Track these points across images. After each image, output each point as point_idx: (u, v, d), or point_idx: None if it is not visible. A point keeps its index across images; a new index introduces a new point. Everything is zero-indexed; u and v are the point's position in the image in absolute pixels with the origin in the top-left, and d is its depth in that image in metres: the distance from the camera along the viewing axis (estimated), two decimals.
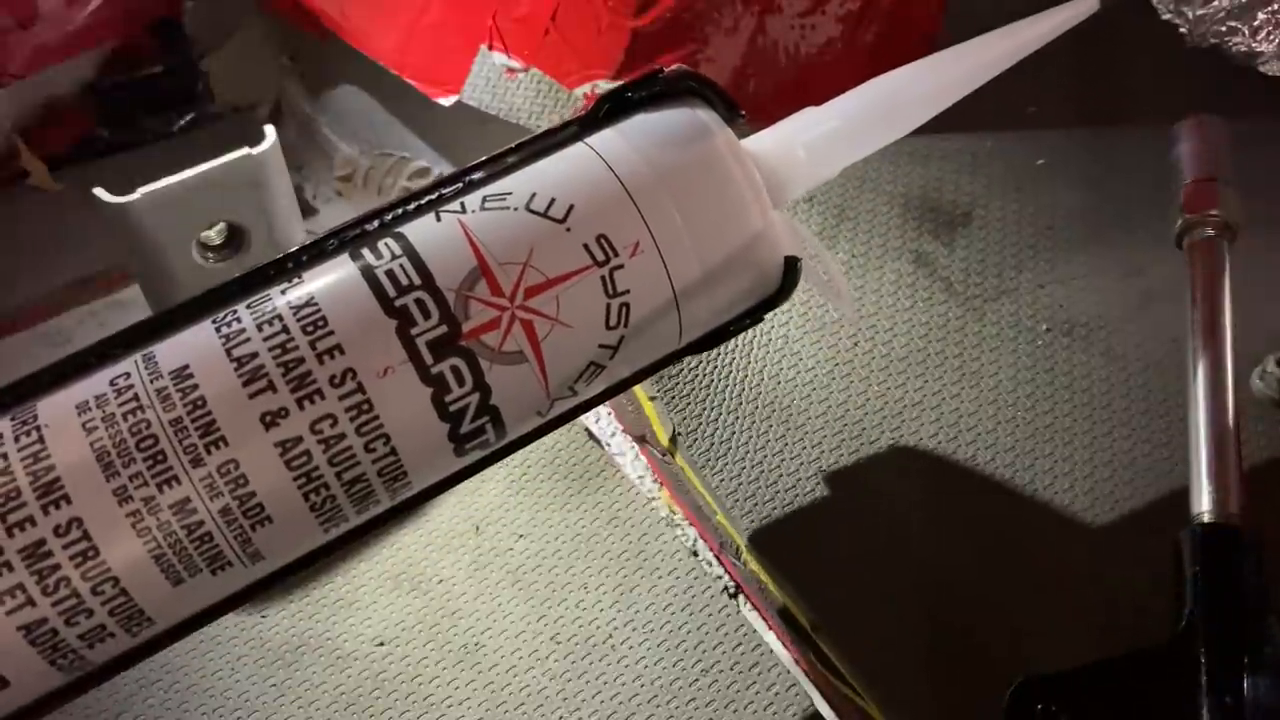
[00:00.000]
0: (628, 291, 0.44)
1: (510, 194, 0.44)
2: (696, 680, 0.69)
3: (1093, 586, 0.70)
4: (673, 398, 0.82)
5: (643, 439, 0.83)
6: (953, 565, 0.72)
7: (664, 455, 0.81)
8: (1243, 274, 0.69)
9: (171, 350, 0.40)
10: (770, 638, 0.72)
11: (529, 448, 0.82)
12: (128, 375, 0.39)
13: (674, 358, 0.51)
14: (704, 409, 0.81)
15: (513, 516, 0.78)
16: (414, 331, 0.40)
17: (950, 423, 0.78)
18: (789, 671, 0.69)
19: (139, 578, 0.39)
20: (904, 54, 1.04)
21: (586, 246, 0.43)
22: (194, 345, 0.40)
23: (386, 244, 0.42)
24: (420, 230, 0.43)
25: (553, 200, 0.43)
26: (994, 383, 0.80)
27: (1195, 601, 0.57)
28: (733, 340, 0.85)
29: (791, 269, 0.50)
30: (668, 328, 0.47)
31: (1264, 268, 0.77)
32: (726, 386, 0.82)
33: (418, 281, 0.41)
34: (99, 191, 0.65)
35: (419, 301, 0.41)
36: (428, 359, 0.40)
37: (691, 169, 0.46)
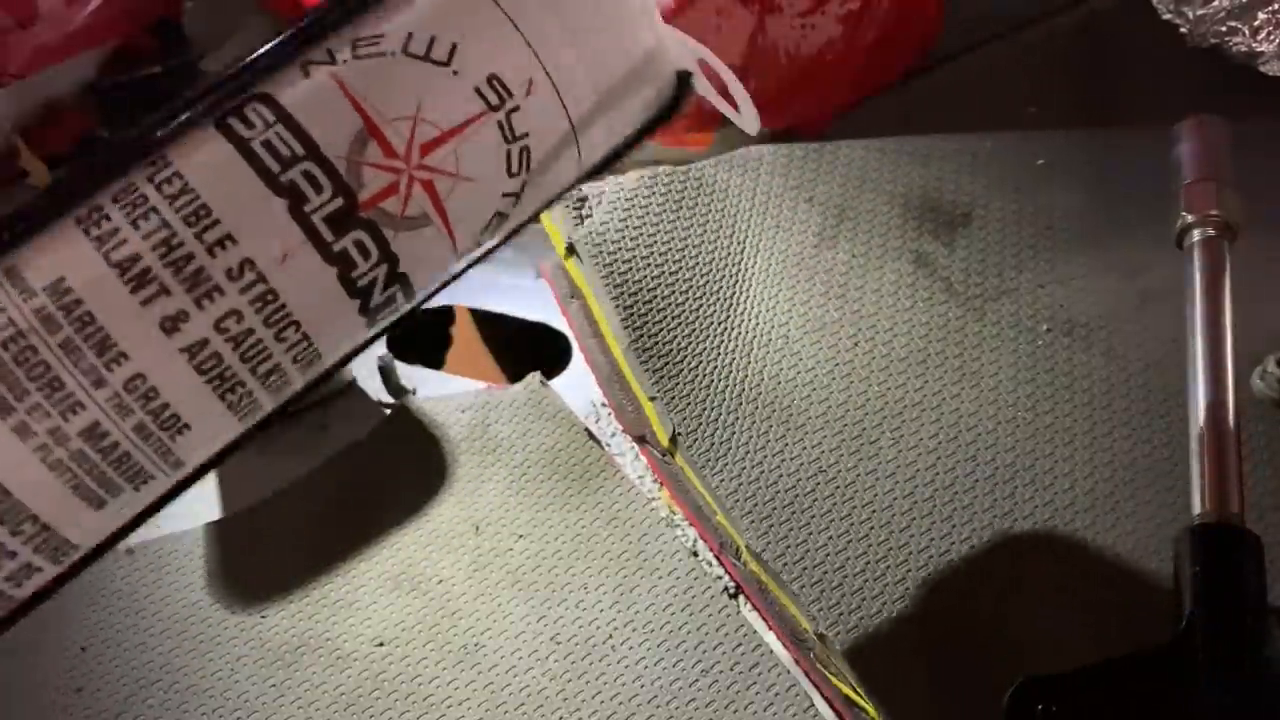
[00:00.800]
0: (527, 134, 0.41)
1: (382, 36, 0.39)
2: (696, 680, 0.69)
3: (1093, 587, 0.70)
4: (673, 398, 0.82)
5: (643, 439, 0.83)
6: (953, 565, 0.72)
7: (664, 455, 0.81)
8: (1243, 274, 0.69)
9: (38, 262, 0.36)
10: (770, 638, 0.72)
11: (528, 448, 0.82)
12: None
13: (570, 188, 0.48)
14: (704, 409, 0.81)
15: (513, 516, 0.78)
16: (308, 208, 0.37)
17: (950, 423, 0.78)
18: (789, 671, 0.69)
19: (59, 512, 0.37)
20: (904, 54, 1.04)
21: (479, 90, 0.40)
22: (64, 253, 0.36)
23: (255, 110, 0.38)
24: (290, 90, 0.38)
25: (432, 39, 0.39)
26: (994, 383, 0.80)
27: (1195, 601, 0.57)
28: (733, 340, 0.85)
29: (683, 83, 0.46)
30: (567, 162, 0.44)
31: (1264, 268, 0.77)
32: (726, 386, 0.82)
33: (300, 151, 0.37)
34: None
35: (307, 174, 0.37)
36: (328, 236, 0.37)
37: None
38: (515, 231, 0.46)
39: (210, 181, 0.37)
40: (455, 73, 0.39)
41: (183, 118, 0.38)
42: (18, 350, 0.35)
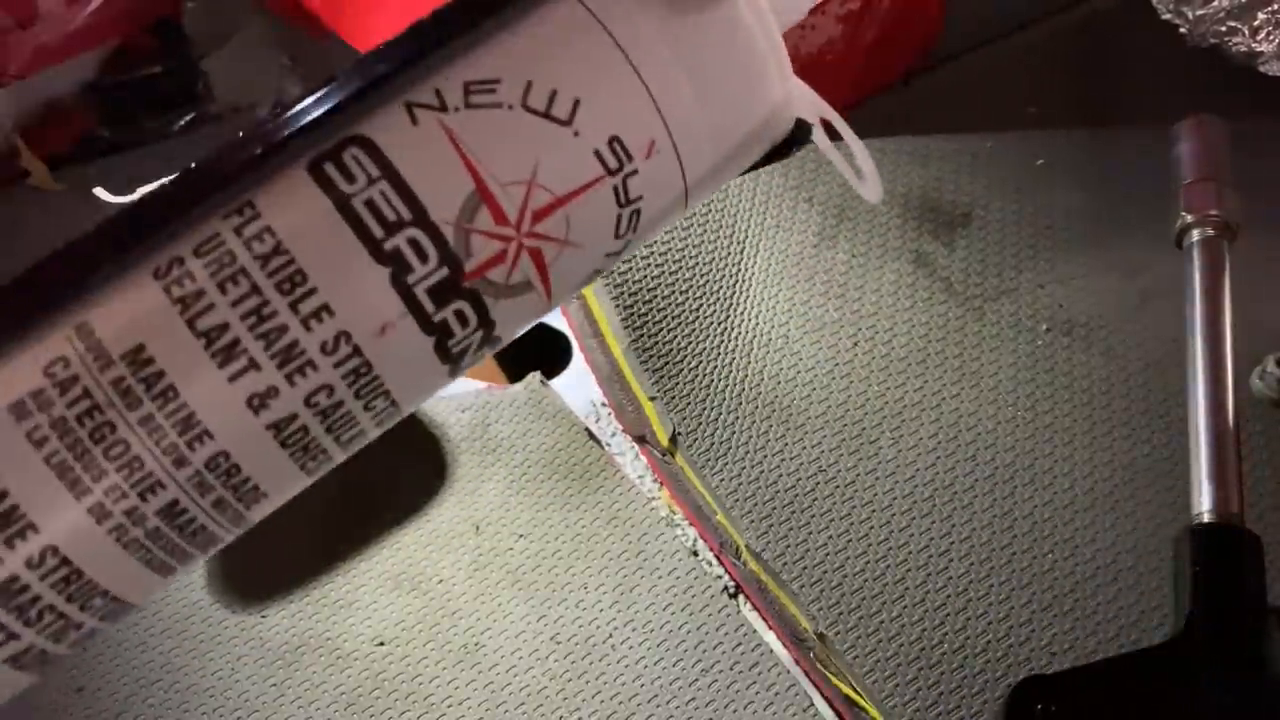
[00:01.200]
0: (640, 198, 0.38)
1: (499, 82, 0.35)
2: (696, 680, 0.69)
3: (1092, 586, 0.70)
4: (673, 398, 0.82)
5: (643, 439, 0.83)
6: (952, 565, 0.72)
7: (664, 455, 0.81)
8: (1243, 274, 0.69)
9: (114, 322, 0.33)
10: (770, 638, 0.72)
11: (529, 448, 0.82)
12: (65, 362, 0.32)
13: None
14: (704, 409, 0.81)
15: (513, 516, 0.78)
16: (411, 279, 0.34)
17: (950, 423, 0.78)
18: (789, 671, 0.69)
19: (129, 585, 0.35)
20: (904, 54, 1.04)
21: (598, 153, 0.36)
22: (142, 314, 0.33)
23: (355, 158, 0.34)
24: (395, 137, 0.35)
25: (554, 93, 0.36)
26: (994, 383, 0.80)
27: (1195, 601, 0.57)
28: (733, 340, 0.85)
29: (799, 130, 0.43)
30: (672, 217, 0.42)
31: (1264, 268, 0.77)
32: (726, 386, 0.82)
33: (407, 216, 0.34)
34: (99, 191, 0.65)
35: (413, 241, 0.34)
36: (429, 308, 0.35)
37: (710, 38, 0.38)
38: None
39: (306, 243, 0.34)
40: (576, 133, 0.36)
41: (266, 151, 0.34)
42: (94, 426, 0.32)
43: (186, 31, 1.00)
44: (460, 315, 0.36)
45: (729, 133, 0.40)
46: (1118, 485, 0.74)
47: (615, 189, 0.37)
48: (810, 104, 0.43)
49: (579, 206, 0.36)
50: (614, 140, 0.37)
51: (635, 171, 0.37)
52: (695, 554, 0.76)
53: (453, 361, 0.37)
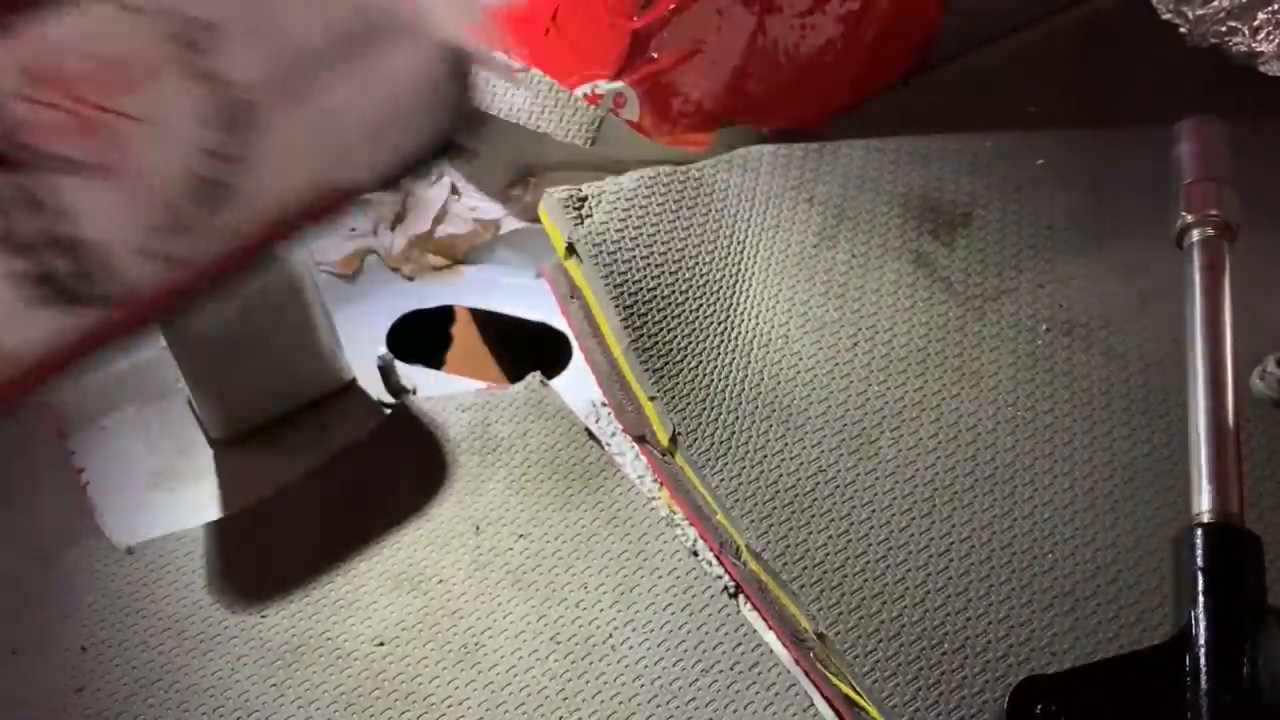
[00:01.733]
0: (227, 80, 0.37)
1: None
2: (696, 680, 0.69)
3: (1092, 586, 0.70)
4: (673, 398, 0.82)
5: (643, 439, 0.83)
6: (952, 565, 0.72)
7: (664, 455, 0.81)
8: (1243, 274, 0.69)
9: None
10: (770, 638, 0.72)
11: (528, 448, 0.82)
12: None
13: (363, 188, 0.42)
14: (704, 409, 0.81)
15: (513, 516, 0.78)
16: None
17: (950, 423, 0.78)
18: (789, 671, 0.69)
19: None
20: (904, 54, 1.04)
21: (165, 28, 0.36)
22: None
23: None
24: None
25: None
26: (994, 383, 0.80)
27: (1195, 601, 0.57)
28: (733, 340, 0.85)
29: (469, 92, 0.42)
30: (299, 129, 0.40)
31: (1264, 268, 0.77)
32: (726, 386, 0.82)
33: None
34: None
35: None
36: None
37: None
38: (291, 227, 0.40)
39: None
40: (141, 11, 0.36)
41: None
42: None
43: None
44: (16, 191, 0.35)
45: (325, 15, 0.38)
46: (1118, 485, 0.74)
47: (189, 65, 0.36)
48: (455, 10, 0.42)
49: (149, 81, 0.35)
50: (184, 17, 0.36)
51: (210, 49, 0.36)
52: (695, 554, 0.76)
53: (26, 257, 0.35)
